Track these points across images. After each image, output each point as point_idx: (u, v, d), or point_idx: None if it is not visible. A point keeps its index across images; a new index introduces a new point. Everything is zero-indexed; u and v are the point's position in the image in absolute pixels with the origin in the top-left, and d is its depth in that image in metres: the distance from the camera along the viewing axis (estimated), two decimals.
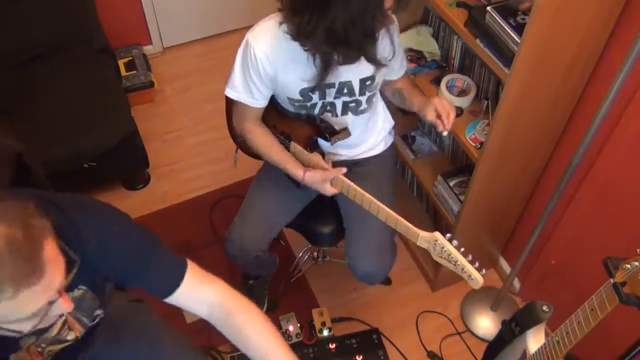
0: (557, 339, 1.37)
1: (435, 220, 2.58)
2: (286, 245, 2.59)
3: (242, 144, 2.01)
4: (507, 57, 1.60)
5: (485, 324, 2.36)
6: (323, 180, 1.71)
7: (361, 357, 2.24)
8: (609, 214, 1.85)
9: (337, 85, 1.67)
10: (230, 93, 1.76)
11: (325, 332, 2.28)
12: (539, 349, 1.48)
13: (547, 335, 1.51)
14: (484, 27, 1.68)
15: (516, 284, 2.44)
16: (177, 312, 2.34)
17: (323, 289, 2.48)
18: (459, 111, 1.97)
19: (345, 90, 1.69)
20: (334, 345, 2.26)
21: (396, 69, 1.84)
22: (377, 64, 1.56)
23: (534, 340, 1.53)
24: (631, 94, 1.61)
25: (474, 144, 1.89)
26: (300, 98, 1.69)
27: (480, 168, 1.86)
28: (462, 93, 2.01)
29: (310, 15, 1.42)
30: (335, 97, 1.71)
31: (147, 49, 3.32)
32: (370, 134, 1.92)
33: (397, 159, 2.19)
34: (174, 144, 3.01)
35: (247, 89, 1.71)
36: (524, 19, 1.61)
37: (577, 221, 1.98)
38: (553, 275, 2.19)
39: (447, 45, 2.10)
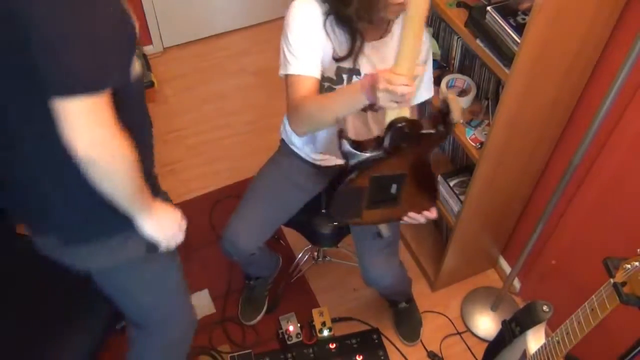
0: (557, 339, 1.37)
1: (436, 221, 2.58)
2: (286, 245, 2.59)
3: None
4: (507, 57, 1.60)
5: (486, 324, 2.36)
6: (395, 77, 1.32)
7: (361, 357, 2.24)
8: (609, 213, 1.85)
9: (362, 75, 1.62)
10: (288, 69, 1.53)
11: (326, 332, 2.28)
12: (539, 349, 1.48)
13: (547, 335, 1.51)
14: (484, 27, 1.68)
15: (516, 284, 2.44)
16: None
17: (323, 289, 2.48)
18: None
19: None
20: (334, 345, 2.26)
21: (421, 90, 1.73)
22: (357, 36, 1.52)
23: (534, 340, 1.53)
24: (631, 94, 1.61)
25: (474, 144, 1.89)
26: (334, 78, 1.62)
27: (481, 168, 1.86)
28: (462, 93, 2.01)
29: None
30: None
31: (147, 49, 3.32)
32: None
33: None
34: (174, 144, 3.01)
35: (302, 57, 1.53)
36: (524, 19, 1.61)
37: (577, 221, 1.98)
38: (553, 275, 2.19)
39: (447, 45, 2.10)
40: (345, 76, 1.63)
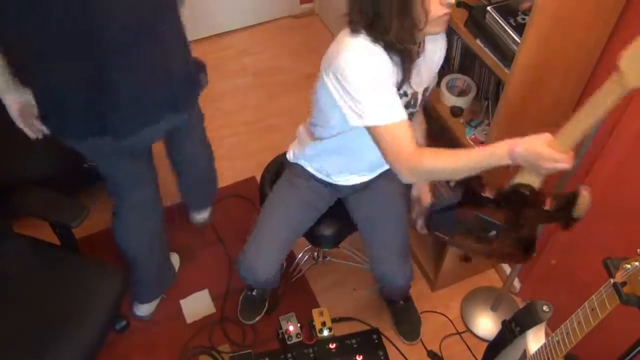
0: (557, 339, 1.37)
1: None
2: None
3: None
4: (507, 57, 1.60)
5: (485, 324, 2.36)
6: (546, 145, 1.28)
7: (361, 357, 2.24)
8: (609, 214, 1.85)
9: (409, 96, 1.61)
10: (374, 119, 1.43)
11: (326, 332, 2.28)
12: (539, 349, 1.48)
13: (547, 335, 1.51)
14: (484, 27, 1.68)
15: (516, 284, 2.44)
16: (177, 312, 2.36)
17: (323, 289, 2.48)
18: (459, 111, 1.97)
19: (412, 102, 1.63)
20: (334, 345, 2.26)
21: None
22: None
23: (534, 340, 1.53)
24: (631, 94, 1.60)
25: (473, 144, 1.89)
26: None
27: None
28: (462, 93, 2.01)
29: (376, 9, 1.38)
30: (406, 108, 1.61)
31: None
32: None
33: None
34: None
35: (387, 102, 1.44)
36: (524, 19, 1.61)
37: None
38: (553, 275, 2.19)
39: (447, 45, 2.09)
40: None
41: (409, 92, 1.60)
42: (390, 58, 1.46)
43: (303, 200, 1.90)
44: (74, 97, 1.63)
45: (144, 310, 2.31)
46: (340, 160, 1.82)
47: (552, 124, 1.86)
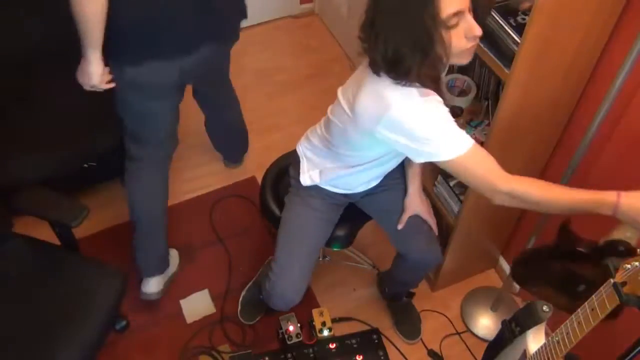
0: (557, 339, 1.37)
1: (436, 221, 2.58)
2: None
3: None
4: (507, 57, 1.60)
5: (485, 324, 2.36)
6: None
7: (361, 357, 2.24)
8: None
9: None
10: (451, 153, 1.40)
11: (326, 332, 2.28)
12: (539, 349, 1.48)
13: (547, 335, 1.51)
14: (484, 27, 1.67)
15: (516, 284, 2.43)
16: (177, 312, 2.37)
17: (323, 289, 2.48)
18: (459, 111, 1.97)
19: None
20: (334, 345, 2.26)
21: None
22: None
23: (534, 340, 1.53)
24: (631, 94, 1.61)
25: None
26: None
27: None
28: (462, 93, 2.01)
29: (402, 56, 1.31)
30: None
31: None
32: None
33: None
34: None
35: (455, 133, 1.41)
36: (524, 19, 1.61)
37: (577, 221, 1.98)
38: None
39: None
40: None
41: None
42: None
43: (321, 218, 1.89)
44: (137, 16, 1.76)
45: (150, 285, 2.31)
46: (365, 175, 1.81)
47: (552, 124, 1.87)
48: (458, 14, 1.27)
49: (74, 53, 2.68)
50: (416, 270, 2.16)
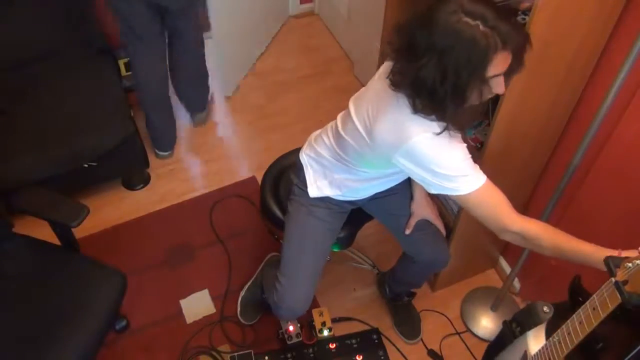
0: (558, 339, 1.37)
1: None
2: None
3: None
4: None
5: (485, 324, 2.36)
6: None
7: (361, 357, 2.24)
8: (609, 213, 1.85)
9: None
10: (467, 188, 1.46)
11: (326, 332, 2.28)
12: (540, 350, 1.47)
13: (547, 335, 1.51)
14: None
15: (516, 284, 2.44)
16: (177, 312, 2.36)
17: (323, 289, 2.47)
18: None
19: None
20: (334, 345, 2.26)
21: None
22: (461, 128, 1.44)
23: (535, 341, 1.53)
24: (631, 94, 1.61)
25: (474, 144, 1.89)
26: None
27: (481, 168, 1.86)
28: None
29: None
30: None
31: None
32: None
33: None
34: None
35: (471, 170, 1.46)
36: (524, 19, 1.61)
37: (577, 221, 1.98)
38: (553, 275, 2.19)
39: None
40: None
41: None
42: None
43: (327, 228, 1.88)
44: None
45: (163, 154, 2.93)
46: (379, 186, 1.81)
47: (552, 124, 1.87)
48: (497, 75, 1.32)
49: (74, 53, 2.70)
50: (424, 272, 2.17)
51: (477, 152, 1.86)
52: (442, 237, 1.98)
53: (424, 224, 1.93)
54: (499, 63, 1.29)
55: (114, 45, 2.92)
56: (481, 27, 1.24)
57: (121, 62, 3.08)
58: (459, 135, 1.46)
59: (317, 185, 1.83)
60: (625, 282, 1.15)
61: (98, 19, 2.76)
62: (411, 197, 1.93)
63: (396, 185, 1.89)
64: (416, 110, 1.38)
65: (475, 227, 2.18)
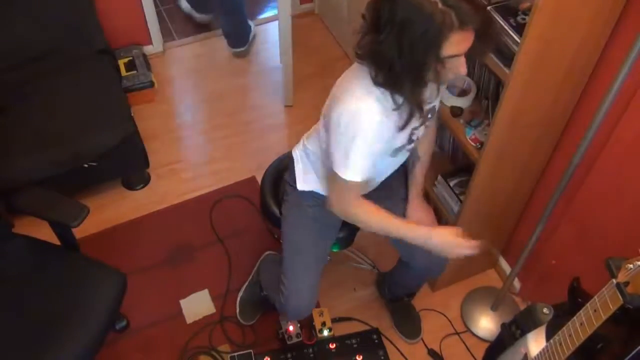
0: (559, 340, 1.36)
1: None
2: None
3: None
4: (507, 57, 1.60)
5: (485, 324, 2.36)
6: (456, 236, 1.60)
7: (361, 357, 2.24)
8: (610, 213, 1.85)
9: (425, 112, 1.61)
10: (347, 174, 1.54)
11: (326, 332, 2.28)
12: (540, 352, 1.47)
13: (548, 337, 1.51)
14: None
15: (516, 284, 2.43)
16: (177, 312, 2.36)
17: (323, 289, 2.46)
18: (459, 111, 1.97)
19: (430, 115, 1.67)
20: (334, 345, 2.26)
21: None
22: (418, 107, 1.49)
23: (535, 343, 1.53)
24: (631, 94, 1.60)
25: (474, 144, 1.89)
26: (406, 143, 1.67)
27: (480, 168, 1.86)
28: (462, 93, 2.00)
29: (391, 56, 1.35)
30: (421, 125, 1.66)
31: (147, 49, 3.32)
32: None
33: None
34: (174, 144, 3.00)
35: (361, 166, 1.55)
36: (524, 19, 1.61)
37: (578, 221, 1.98)
38: (553, 275, 2.19)
39: None
40: (416, 131, 1.66)
41: (426, 108, 1.61)
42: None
43: (323, 227, 1.89)
44: None
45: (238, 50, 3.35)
46: None
47: (552, 124, 1.87)
48: (455, 56, 1.36)
49: (74, 53, 2.69)
50: (420, 278, 2.16)
51: (477, 152, 1.86)
52: None
53: None
54: (456, 43, 1.31)
55: (114, 45, 2.92)
56: (440, 5, 1.27)
57: (121, 62, 3.08)
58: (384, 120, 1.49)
59: (305, 179, 1.86)
60: (626, 284, 1.15)
61: (98, 18, 2.75)
62: (406, 200, 1.92)
63: (390, 190, 1.90)
64: (376, 82, 1.42)
65: (476, 227, 2.18)
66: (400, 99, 1.45)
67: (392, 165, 1.80)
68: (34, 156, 2.35)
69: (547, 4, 1.41)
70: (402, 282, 2.22)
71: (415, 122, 1.58)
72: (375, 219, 1.66)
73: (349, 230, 2.02)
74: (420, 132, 1.69)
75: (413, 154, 1.86)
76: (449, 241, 1.60)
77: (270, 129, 3.07)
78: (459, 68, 1.39)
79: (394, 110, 1.48)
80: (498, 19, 1.62)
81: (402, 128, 1.53)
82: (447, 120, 1.97)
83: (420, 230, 1.63)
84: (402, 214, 1.92)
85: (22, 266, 1.88)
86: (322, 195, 1.84)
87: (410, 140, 1.68)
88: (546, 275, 2.23)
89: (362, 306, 2.42)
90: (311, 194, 1.86)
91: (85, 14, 2.70)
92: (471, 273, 2.51)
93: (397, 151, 1.68)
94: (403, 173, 1.95)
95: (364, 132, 1.48)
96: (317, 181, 1.84)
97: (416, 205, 1.92)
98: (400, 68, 1.35)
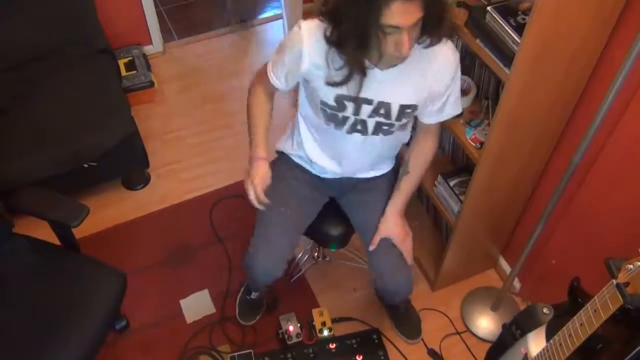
0: (559, 341, 1.36)
1: (436, 221, 2.58)
2: None
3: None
4: (507, 57, 1.60)
5: (485, 324, 2.36)
6: (262, 177, 1.72)
7: (361, 357, 2.24)
8: (610, 213, 1.85)
9: (374, 104, 1.62)
10: (270, 68, 1.71)
11: (325, 332, 2.28)
12: (540, 352, 1.47)
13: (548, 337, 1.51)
14: (484, 27, 1.67)
15: (516, 284, 2.43)
16: (177, 312, 2.36)
17: (323, 289, 2.47)
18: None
19: (382, 111, 1.65)
20: (334, 345, 2.26)
21: (432, 112, 1.73)
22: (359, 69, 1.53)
23: (535, 343, 1.53)
24: (631, 93, 1.60)
25: (474, 144, 1.89)
26: (334, 104, 1.64)
27: (481, 168, 1.86)
28: (462, 93, 2.00)
29: (337, 20, 1.44)
30: (369, 116, 1.66)
31: (147, 49, 3.32)
32: (384, 161, 1.94)
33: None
34: (174, 144, 3.00)
35: (275, 65, 1.69)
36: (524, 19, 1.61)
37: (578, 221, 1.98)
38: (553, 275, 2.19)
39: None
40: (348, 103, 1.63)
41: (375, 99, 1.61)
42: (333, 58, 1.53)
43: (298, 192, 1.91)
44: None
45: None
46: (317, 141, 1.86)
47: (552, 124, 1.87)
48: (395, 28, 1.36)
49: (74, 53, 2.69)
50: (388, 295, 2.09)
51: (477, 152, 1.86)
52: (403, 266, 1.86)
53: (389, 249, 1.85)
54: (397, 13, 1.33)
55: (114, 45, 2.92)
56: None
57: (121, 62, 3.09)
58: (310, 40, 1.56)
59: (283, 140, 2.00)
60: (626, 284, 1.15)
61: (98, 19, 2.75)
62: (383, 213, 1.88)
63: (371, 197, 1.91)
64: (327, 40, 1.49)
65: (476, 227, 2.19)
66: (343, 60, 1.50)
67: (349, 143, 1.77)
68: (34, 156, 2.35)
69: (547, 4, 1.41)
70: (385, 296, 2.23)
71: (347, 90, 1.59)
72: (251, 110, 1.79)
73: (344, 229, 2.01)
74: (370, 125, 1.69)
75: (404, 167, 1.85)
76: (255, 176, 1.70)
77: (270, 129, 3.06)
78: (400, 45, 1.39)
79: (336, 69, 1.53)
80: (498, 19, 1.62)
81: (331, 84, 1.57)
82: (447, 120, 1.97)
83: (256, 151, 1.75)
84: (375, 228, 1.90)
85: (22, 266, 1.87)
86: (303, 168, 1.94)
87: (356, 124, 1.69)
88: (546, 275, 2.23)
89: (362, 306, 2.42)
90: (286, 160, 1.96)
91: (85, 14, 2.70)
92: (471, 273, 2.51)
93: (341, 122, 1.69)
94: (389, 185, 1.94)
95: (292, 42, 1.59)
96: (291, 143, 1.94)
97: (391, 220, 1.85)
98: (345, 30, 1.42)
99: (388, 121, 1.68)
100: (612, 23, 1.60)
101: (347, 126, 1.70)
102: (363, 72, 1.52)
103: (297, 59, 1.59)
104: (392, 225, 1.85)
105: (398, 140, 1.85)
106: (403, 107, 1.64)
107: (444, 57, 1.59)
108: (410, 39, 1.39)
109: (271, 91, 1.79)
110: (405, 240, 1.86)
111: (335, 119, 1.68)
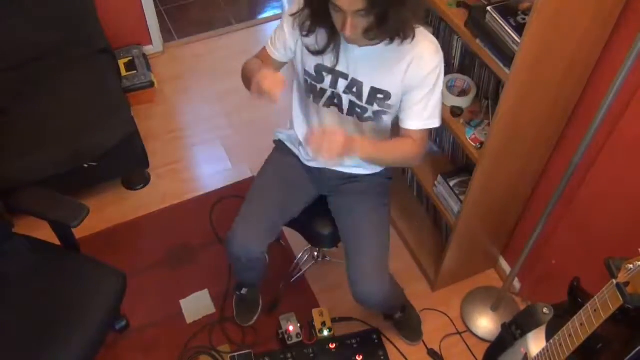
0: (559, 340, 1.36)
1: (436, 221, 2.58)
2: (286, 245, 2.59)
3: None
4: (507, 57, 1.60)
5: (486, 324, 2.36)
6: (273, 83, 1.59)
7: (361, 357, 2.24)
8: (610, 213, 1.85)
9: (349, 80, 1.67)
10: (268, 43, 1.86)
11: (326, 332, 2.28)
12: (540, 352, 1.47)
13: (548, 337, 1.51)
14: (484, 27, 1.67)
15: (516, 284, 2.43)
16: (177, 312, 2.36)
17: (323, 289, 2.47)
18: (459, 111, 1.97)
19: (355, 90, 1.68)
20: (334, 345, 2.26)
21: (411, 114, 1.68)
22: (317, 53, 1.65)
23: (535, 343, 1.53)
24: (631, 94, 1.60)
25: (474, 144, 1.89)
26: (314, 74, 1.71)
27: (481, 168, 1.86)
28: (462, 93, 2.00)
29: None
30: (344, 92, 1.71)
31: (147, 49, 3.32)
32: None
33: (392, 175, 2.14)
34: (174, 144, 3.00)
35: (275, 34, 1.80)
36: (524, 19, 1.61)
37: (578, 221, 1.98)
38: (553, 275, 2.19)
39: (447, 45, 2.10)
40: (326, 75, 1.69)
41: (350, 75, 1.66)
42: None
43: (283, 176, 1.97)
44: None
45: None
46: (302, 118, 1.96)
47: (552, 124, 1.87)
48: (338, 8, 1.43)
49: (74, 53, 2.69)
50: (362, 304, 1.96)
51: (477, 152, 1.86)
52: (376, 275, 1.83)
53: (364, 255, 1.83)
54: None
55: (114, 45, 2.92)
56: None
57: (121, 62, 3.08)
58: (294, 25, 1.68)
59: (280, 132, 2.09)
60: (626, 284, 1.15)
61: (98, 19, 2.75)
62: (373, 226, 1.87)
63: (356, 202, 1.92)
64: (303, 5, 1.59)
65: (476, 227, 2.19)
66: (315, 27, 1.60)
67: (327, 119, 1.82)
68: (34, 156, 2.35)
69: (547, 4, 1.41)
70: (361, 304, 2.13)
71: (325, 61, 1.67)
72: (247, 66, 1.86)
73: (335, 229, 2.00)
74: (345, 103, 1.73)
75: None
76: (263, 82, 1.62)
77: (270, 129, 3.06)
78: (342, 26, 1.46)
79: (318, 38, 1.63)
80: (498, 19, 1.62)
81: (312, 52, 1.66)
82: (447, 120, 1.97)
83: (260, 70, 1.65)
84: (384, 221, 1.91)
85: (22, 266, 1.87)
86: (283, 145, 2.05)
87: (333, 97, 1.74)
88: (546, 275, 2.23)
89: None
90: (278, 145, 2.07)
91: (85, 14, 2.70)
92: (471, 273, 2.51)
93: (319, 94, 1.76)
94: (381, 185, 1.96)
95: (291, 10, 1.68)
96: (286, 132, 2.05)
97: (343, 132, 1.55)
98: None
99: (360, 103, 1.71)
100: (612, 23, 1.60)
101: (324, 99, 1.76)
102: (332, 38, 1.60)
103: (291, 24, 1.69)
104: (338, 131, 1.53)
105: (374, 136, 1.81)
106: (374, 90, 1.66)
107: (423, 50, 1.60)
108: (352, 26, 1.44)
109: (265, 63, 1.84)
110: (333, 135, 1.52)
111: (314, 90, 1.75)
